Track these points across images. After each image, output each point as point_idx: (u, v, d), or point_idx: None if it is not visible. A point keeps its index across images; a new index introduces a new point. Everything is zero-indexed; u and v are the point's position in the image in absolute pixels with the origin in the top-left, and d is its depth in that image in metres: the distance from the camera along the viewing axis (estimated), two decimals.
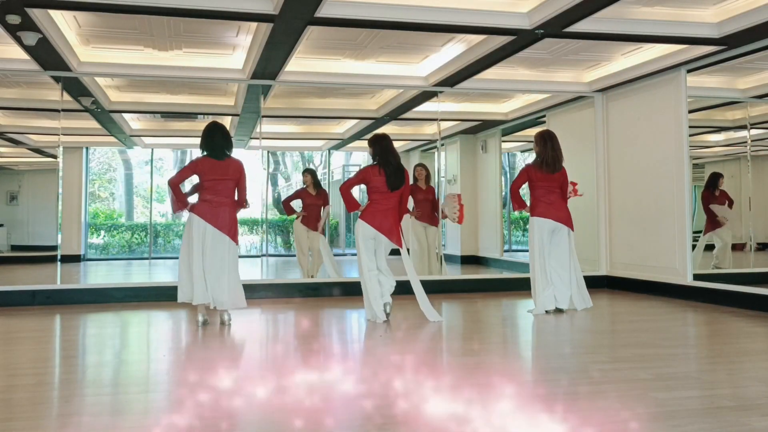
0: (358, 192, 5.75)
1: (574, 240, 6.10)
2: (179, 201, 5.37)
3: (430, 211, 8.18)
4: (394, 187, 5.47)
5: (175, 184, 5.31)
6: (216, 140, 5.33)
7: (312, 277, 7.93)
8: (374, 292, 5.45)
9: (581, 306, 6.07)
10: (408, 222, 8.22)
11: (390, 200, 5.50)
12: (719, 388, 3.38)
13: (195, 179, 5.46)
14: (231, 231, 5.33)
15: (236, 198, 5.45)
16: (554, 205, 5.95)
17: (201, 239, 5.24)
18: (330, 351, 4.54)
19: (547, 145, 5.95)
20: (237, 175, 5.37)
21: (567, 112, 8.37)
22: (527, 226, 10.54)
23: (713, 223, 7.47)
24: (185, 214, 5.42)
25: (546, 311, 5.90)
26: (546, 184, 5.94)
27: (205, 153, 5.35)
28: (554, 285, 5.95)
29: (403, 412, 2.91)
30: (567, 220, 6.00)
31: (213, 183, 5.28)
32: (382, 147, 5.52)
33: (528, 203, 6.11)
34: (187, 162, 5.48)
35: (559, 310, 5.94)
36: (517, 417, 2.85)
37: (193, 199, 5.48)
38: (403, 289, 5.72)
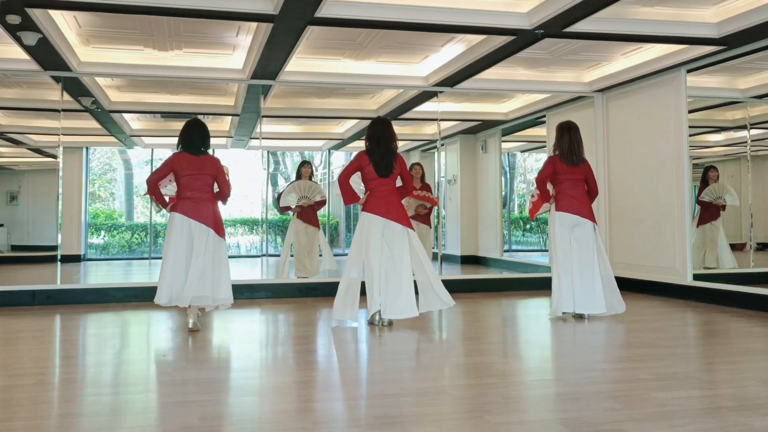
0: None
1: (600, 236, 5.71)
2: (159, 201, 5.37)
3: (422, 210, 8.19)
4: (383, 174, 5.30)
5: (153, 183, 5.27)
6: (193, 138, 5.30)
7: (304, 277, 7.85)
8: (370, 287, 5.19)
9: (612, 311, 5.57)
10: None
11: (386, 185, 5.31)
12: (719, 388, 3.38)
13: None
14: (216, 225, 5.23)
15: (220, 193, 5.39)
16: (579, 199, 5.60)
17: (186, 237, 5.14)
18: (329, 351, 4.54)
19: (564, 137, 5.62)
20: (214, 171, 5.29)
21: (567, 112, 8.36)
22: (527, 227, 10.61)
23: (702, 217, 7.42)
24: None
25: (563, 313, 5.54)
26: (571, 177, 5.60)
27: (180, 148, 5.32)
28: (575, 287, 5.48)
29: (403, 413, 2.91)
30: (590, 215, 5.60)
31: (190, 179, 5.22)
32: (371, 133, 5.40)
33: (551, 195, 5.74)
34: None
35: (579, 316, 5.52)
36: (516, 417, 2.85)
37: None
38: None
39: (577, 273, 5.52)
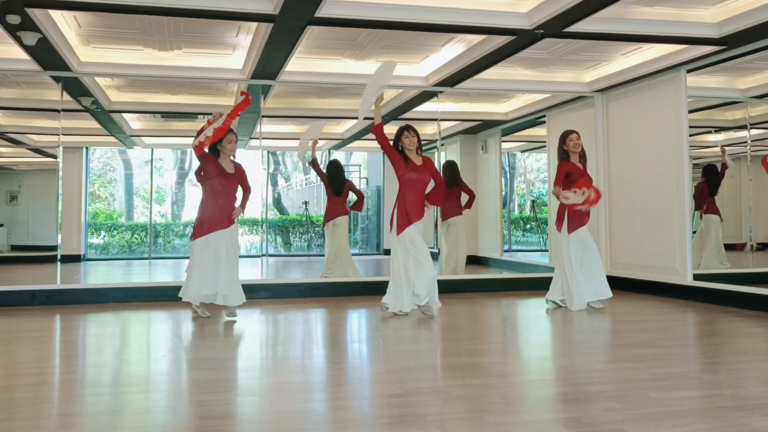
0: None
1: (561, 240, 6.24)
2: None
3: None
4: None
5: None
6: None
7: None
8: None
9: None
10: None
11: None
12: (719, 388, 3.38)
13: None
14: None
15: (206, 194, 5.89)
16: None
17: None
18: (329, 350, 4.54)
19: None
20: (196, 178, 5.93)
21: (567, 112, 8.37)
22: (527, 227, 10.63)
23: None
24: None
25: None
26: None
27: None
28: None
29: (403, 413, 2.91)
30: (557, 223, 6.29)
31: None
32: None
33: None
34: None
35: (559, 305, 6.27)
36: (517, 417, 2.85)
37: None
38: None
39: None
